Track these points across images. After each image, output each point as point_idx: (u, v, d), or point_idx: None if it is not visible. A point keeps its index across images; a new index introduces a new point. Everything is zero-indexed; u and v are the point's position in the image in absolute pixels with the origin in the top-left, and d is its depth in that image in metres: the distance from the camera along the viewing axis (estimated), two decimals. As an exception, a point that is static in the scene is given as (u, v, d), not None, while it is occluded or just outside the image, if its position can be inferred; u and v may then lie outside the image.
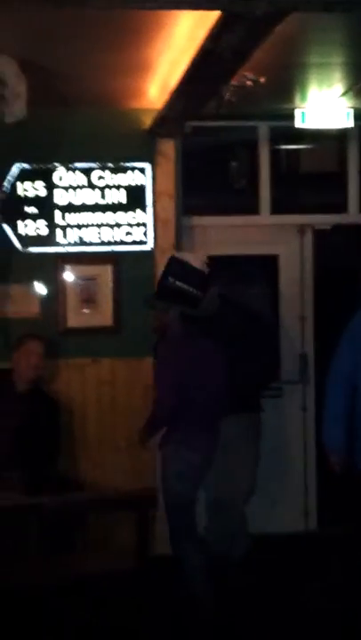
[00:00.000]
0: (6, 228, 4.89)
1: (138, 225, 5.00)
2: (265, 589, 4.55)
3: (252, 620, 4.15)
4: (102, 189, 4.97)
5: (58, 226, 4.95)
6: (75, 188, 4.95)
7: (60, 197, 4.94)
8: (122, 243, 5.00)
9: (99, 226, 4.98)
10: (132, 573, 3.66)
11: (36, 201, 4.92)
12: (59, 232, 4.95)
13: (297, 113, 4.88)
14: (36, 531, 3.71)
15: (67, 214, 4.95)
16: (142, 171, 4.99)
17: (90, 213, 4.97)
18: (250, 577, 4.63)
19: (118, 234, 5.00)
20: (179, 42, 3.75)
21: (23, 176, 4.89)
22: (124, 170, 4.98)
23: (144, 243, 5.01)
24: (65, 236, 4.96)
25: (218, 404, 4.23)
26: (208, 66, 3.56)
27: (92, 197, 4.97)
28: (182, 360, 4.17)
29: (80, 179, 4.96)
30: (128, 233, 5.01)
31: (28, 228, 4.92)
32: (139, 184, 4.99)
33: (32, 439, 4.29)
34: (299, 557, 5.04)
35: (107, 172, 4.97)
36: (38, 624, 3.64)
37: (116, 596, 3.69)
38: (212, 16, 3.09)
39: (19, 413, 4.37)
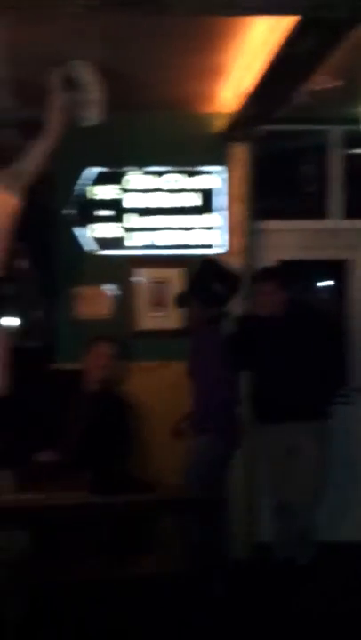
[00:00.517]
0: (79, 231, 4.96)
1: (209, 229, 5.02)
2: (330, 597, 4.50)
3: (313, 628, 4.11)
4: (174, 193, 5.01)
5: (130, 229, 5.00)
6: (147, 192, 5.00)
7: (133, 201, 5.00)
8: (193, 246, 5.02)
9: (170, 229, 5.02)
10: (200, 573, 3.66)
11: (108, 204, 4.98)
12: (130, 235, 5.00)
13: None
14: (107, 530, 3.75)
15: (139, 217, 5.00)
16: (215, 175, 5.00)
17: (162, 217, 5.01)
18: (315, 584, 4.60)
19: (189, 237, 5.03)
20: (253, 46, 3.77)
21: (97, 179, 4.97)
22: (197, 174, 5.01)
23: (216, 247, 5.02)
24: (136, 239, 5.01)
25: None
26: (285, 69, 3.57)
27: (164, 201, 5.01)
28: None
29: (153, 182, 5.00)
30: (199, 237, 5.03)
31: (100, 230, 4.98)
32: (211, 188, 5.01)
33: (103, 439, 4.34)
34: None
35: (179, 175, 5.00)
36: (104, 621, 3.68)
37: (183, 596, 3.71)
38: (287, 21, 3.10)
39: (90, 413, 4.44)
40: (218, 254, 4.70)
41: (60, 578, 3.64)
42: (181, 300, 4.67)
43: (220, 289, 4.47)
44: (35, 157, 3.79)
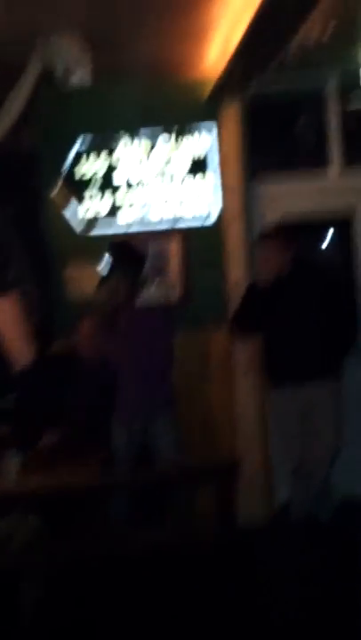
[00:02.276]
0: (69, 211, 4.88)
1: (204, 192, 4.91)
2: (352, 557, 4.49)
3: (338, 588, 4.09)
4: (168, 159, 4.91)
5: (122, 205, 4.92)
6: (137, 163, 4.90)
7: (123, 175, 4.91)
8: (188, 211, 4.92)
9: (163, 201, 4.92)
10: (213, 546, 3.65)
11: (98, 181, 4.89)
12: (123, 211, 4.92)
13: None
14: (123, 504, 3.74)
15: (131, 192, 4.91)
16: (208, 134, 4.88)
17: (154, 188, 4.91)
18: (337, 542, 4.59)
19: (183, 208, 4.93)
20: (237, 2, 3.63)
21: (87, 149, 4.88)
22: (190, 133, 4.88)
23: (211, 209, 4.92)
24: (129, 215, 4.92)
25: None
26: (272, 20, 3.43)
27: (155, 170, 4.91)
28: None
29: (143, 149, 4.89)
30: (194, 203, 4.92)
31: (92, 210, 4.91)
32: (204, 149, 4.89)
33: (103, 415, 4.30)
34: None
35: (171, 139, 4.88)
36: (125, 593, 3.69)
37: (196, 568, 3.70)
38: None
39: (84, 388, 4.37)
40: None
41: (74, 558, 3.64)
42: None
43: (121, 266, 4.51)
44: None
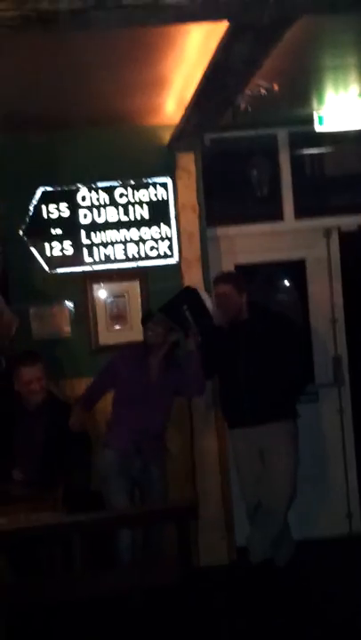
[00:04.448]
0: (33, 250, 4.96)
1: (162, 239, 5.05)
2: (311, 594, 4.52)
3: (295, 625, 4.12)
4: (125, 206, 5.03)
5: (84, 245, 5.01)
6: (98, 207, 5.01)
7: (84, 217, 5.01)
8: (148, 257, 5.04)
9: (124, 242, 5.03)
10: (175, 586, 3.66)
11: (60, 222, 4.99)
12: (85, 251, 5.01)
13: (315, 117, 4.89)
14: (78, 548, 3.73)
15: (92, 233, 5.01)
16: (164, 185, 5.04)
17: (114, 231, 5.03)
18: (295, 582, 4.62)
19: (144, 249, 5.05)
20: (191, 55, 3.80)
21: (47, 198, 4.97)
22: (146, 186, 5.03)
23: (170, 256, 5.05)
24: (91, 254, 5.02)
25: None
26: (221, 77, 3.60)
27: (115, 215, 5.03)
28: None
29: (103, 197, 5.01)
30: (153, 248, 5.05)
31: (55, 249, 4.99)
32: (161, 199, 5.04)
33: (59, 451, 4.26)
34: (344, 561, 5.00)
35: (129, 188, 5.02)
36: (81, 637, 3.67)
37: (158, 609, 3.71)
38: (222, 28, 3.12)
39: (40, 429, 4.34)
40: (201, 291, 4.70)
41: (39, 598, 3.61)
42: (147, 317, 4.65)
43: (190, 317, 4.47)
44: None
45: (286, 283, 5.65)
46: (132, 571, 4.04)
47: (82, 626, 3.70)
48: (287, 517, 4.71)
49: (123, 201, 5.03)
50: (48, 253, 4.99)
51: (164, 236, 5.04)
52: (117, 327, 5.04)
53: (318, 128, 4.95)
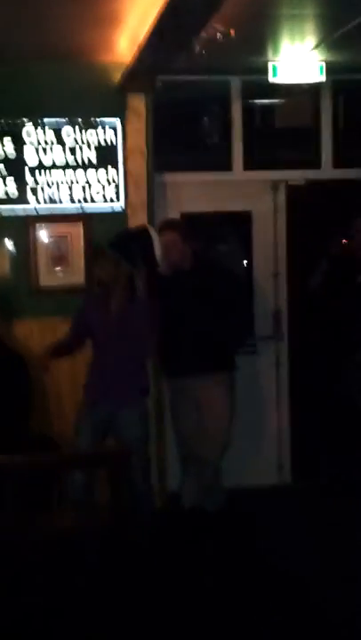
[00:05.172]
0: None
1: (109, 183, 4.95)
2: (239, 543, 4.62)
3: (224, 575, 4.22)
4: (72, 148, 4.90)
5: (27, 184, 4.88)
6: (44, 147, 4.88)
7: (31, 156, 4.87)
8: (93, 201, 4.94)
9: (69, 184, 4.92)
10: (107, 529, 3.70)
11: (4, 160, 4.83)
12: (29, 191, 4.88)
13: (269, 67, 4.82)
14: (11, 490, 3.72)
15: (36, 172, 4.88)
16: (113, 127, 4.92)
17: (60, 171, 4.90)
18: (224, 530, 4.71)
19: (89, 193, 4.94)
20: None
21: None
22: (95, 126, 4.90)
23: (116, 201, 4.97)
24: (35, 194, 4.89)
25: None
26: (177, 17, 3.49)
27: (62, 156, 4.90)
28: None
29: (49, 136, 4.87)
30: (99, 191, 4.95)
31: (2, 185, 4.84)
32: (110, 141, 4.92)
33: (1, 395, 4.26)
34: (273, 510, 5.12)
35: (77, 127, 4.89)
36: (15, 579, 3.68)
37: (90, 550, 3.74)
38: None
39: None
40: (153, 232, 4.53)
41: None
42: (96, 254, 4.55)
43: (138, 260, 4.32)
44: None
45: (231, 234, 5.64)
46: (66, 513, 4.05)
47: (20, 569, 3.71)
48: (220, 466, 4.78)
49: (70, 141, 4.89)
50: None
51: (111, 180, 4.95)
52: (58, 269, 4.96)
53: (272, 79, 4.89)
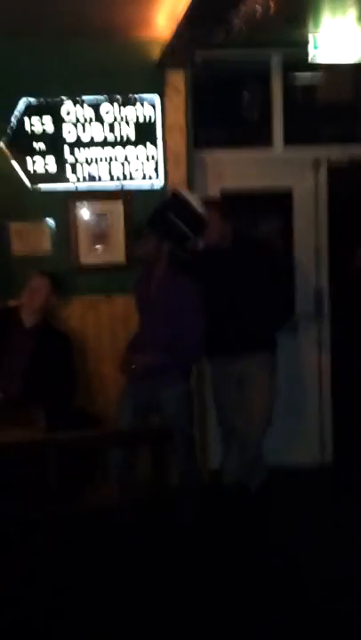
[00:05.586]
0: (15, 164, 4.83)
1: (148, 160, 4.93)
2: (280, 521, 4.61)
3: (263, 552, 4.21)
4: (111, 124, 4.89)
5: (67, 162, 4.89)
6: (83, 123, 4.87)
7: (69, 133, 4.87)
8: (132, 178, 4.93)
9: (108, 161, 4.91)
10: (149, 505, 3.72)
11: (44, 137, 4.84)
12: (68, 168, 4.89)
13: (310, 41, 4.73)
14: (55, 466, 3.75)
15: (75, 150, 4.88)
16: (152, 103, 4.89)
17: (99, 148, 4.90)
18: (266, 508, 4.70)
19: (129, 169, 4.93)
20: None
21: (30, 111, 4.81)
22: (134, 102, 4.88)
23: (155, 177, 4.94)
24: (74, 172, 4.90)
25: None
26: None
27: (101, 132, 4.89)
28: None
29: (88, 113, 4.87)
30: (138, 168, 4.94)
31: (37, 164, 4.86)
32: (148, 117, 4.90)
33: (45, 374, 4.31)
34: (315, 489, 5.09)
35: (115, 104, 4.87)
36: (57, 552, 3.73)
37: (132, 525, 3.77)
38: None
39: (29, 349, 4.39)
40: (184, 191, 4.45)
41: (17, 515, 3.64)
42: (137, 233, 4.49)
43: (182, 227, 4.23)
44: None
45: (272, 211, 5.58)
46: (109, 488, 4.08)
47: (63, 541, 3.75)
48: (262, 444, 4.77)
49: (109, 118, 4.88)
50: (30, 169, 4.86)
51: (150, 157, 4.93)
52: (99, 247, 4.97)
53: (313, 53, 4.80)
